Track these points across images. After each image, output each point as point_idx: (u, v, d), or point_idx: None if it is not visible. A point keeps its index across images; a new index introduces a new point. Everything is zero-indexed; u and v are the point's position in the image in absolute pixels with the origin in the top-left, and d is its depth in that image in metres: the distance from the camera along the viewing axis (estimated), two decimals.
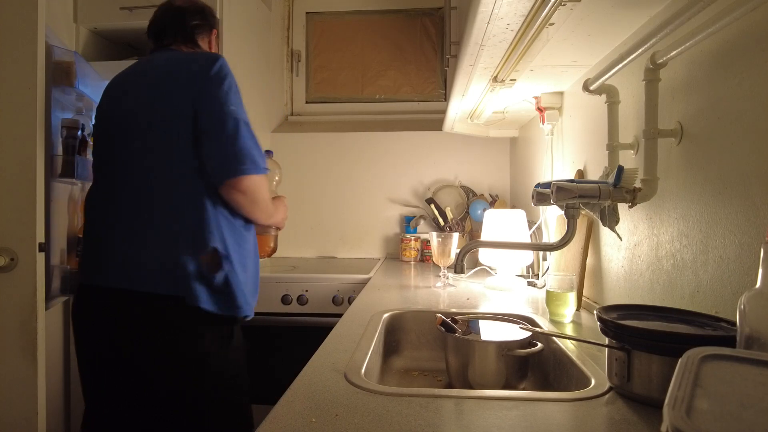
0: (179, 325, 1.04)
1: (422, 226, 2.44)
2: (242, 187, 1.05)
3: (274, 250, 1.43)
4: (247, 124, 1.08)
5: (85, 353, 1.12)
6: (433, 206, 2.37)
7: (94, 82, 1.52)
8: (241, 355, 1.15)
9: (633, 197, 0.91)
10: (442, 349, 1.02)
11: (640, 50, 0.87)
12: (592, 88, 1.07)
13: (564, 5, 0.88)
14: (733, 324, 0.59)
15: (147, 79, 1.15)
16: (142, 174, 1.08)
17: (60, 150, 1.43)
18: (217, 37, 1.34)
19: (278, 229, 1.36)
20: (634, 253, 1.06)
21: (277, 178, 1.48)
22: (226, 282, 1.06)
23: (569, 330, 1.11)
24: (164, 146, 1.07)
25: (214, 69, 1.09)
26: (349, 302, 1.82)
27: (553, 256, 1.58)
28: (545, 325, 1.11)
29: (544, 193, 1.04)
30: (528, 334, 0.93)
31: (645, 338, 0.66)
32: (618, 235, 1.06)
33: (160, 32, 1.25)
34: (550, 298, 1.17)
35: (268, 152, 1.33)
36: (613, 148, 1.06)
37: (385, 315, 1.19)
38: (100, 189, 1.16)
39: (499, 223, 1.73)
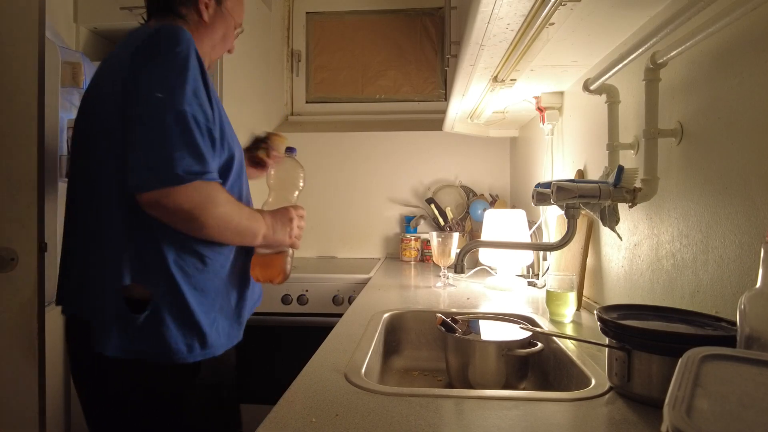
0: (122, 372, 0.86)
1: (422, 226, 2.44)
2: (161, 203, 0.79)
3: (283, 274, 1.03)
4: (180, 115, 0.80)
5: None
6: (433, 206, 2.37)
7: None
8: (210, 396, 0.93)
9: (633, 197, 0.91)
10: (443, 349, 1.02)
11: (640, 50, 0.87)
12: (592, 88, 1.07)
13: (564, 5, 0.88)
14: (734, 324, 0.59)
15: (100, 70, 0.95)
16: (73, 186, 0.94)
17: (66, 150, 1.44)
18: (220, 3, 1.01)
19: (287, 248, 1.02)
20: (634, 253, 1.06)
21: (301, 183, 1.13)
22: (151, 322, 0.83)
23: (569, 330, 1.11)
24: (93, 153, 0.88)
25: (147, 42, 0.84)
26: (350, 302, 1.82)
27: (553, 256, 1.58)
28: (545, 325, 1.11)
29: (545, 193, 1.04)
30: (528, 334, 0.93)
31: (645, 338, 0.66)
32: (618, 235, 1.06)
33: (146, 4, 1.00)
34: (551, 298, 1.17)
35: (291, 149, 1.13)
36: (613, 147, 1.06)
37: (386, 315, 1.19)
38: (68, 204, 0.99)
39: (500, 223, 1.73)
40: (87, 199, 0.90)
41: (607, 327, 0.71)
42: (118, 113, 0.83)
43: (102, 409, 0.90)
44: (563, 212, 1.04)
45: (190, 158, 0.80)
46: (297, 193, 1.12)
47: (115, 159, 0.84)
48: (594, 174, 1.29)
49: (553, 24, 0.98)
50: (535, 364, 1.04)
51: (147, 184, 0.79)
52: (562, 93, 1.54)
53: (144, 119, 0.81)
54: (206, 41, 1.00)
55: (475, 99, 1.67)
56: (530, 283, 1.64)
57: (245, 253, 0.98)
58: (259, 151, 1.16)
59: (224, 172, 0.92)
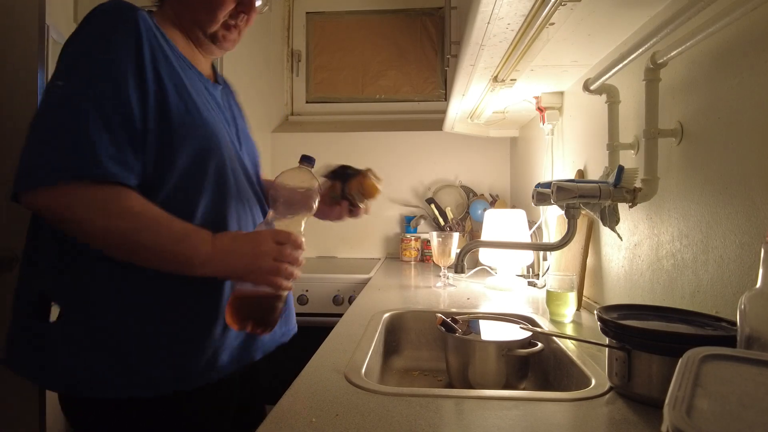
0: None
1: (422, 226, 2.44)
2: (33, 206, 0.69)
3: (264, 323, 0.78)
4: (68, 99, 0.68)
5: None
6: (433, 206, 2.37)
7: None
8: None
9: (633, 197, 0.91)
10: (443, 349, 1.02)
11: (640, 50, 0.87)
12: (592, 88, 1.07)
13: (564, 5, 0.88)
14: (734, 324, 0.59)
15: None
16: None
17: None
18: None
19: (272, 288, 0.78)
20: (634, 253, 1.06)
21: (314, 206, 0.84)
22: (56, 339, 0.71)
23: (569, 330, 1.11)
24: None
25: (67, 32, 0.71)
26: (350, 302, 1.82)
27: (553, 256, 1.58)
28: (545, 325, 1.11)
29: (545, 193, 1.04)
30: (528, 334, 0.93)
31: (645, 338, 0.66)
32: (618, 235, 1.06)
33: None
34: (551, 298, 1.17)
35: (309, 159, 0.85)
36: (613, 147, 1.06)
37: (386, 315, 1.19)
38: None
39: (500, 223, 1.73)
40: None
41: (608, 327, 0.71)
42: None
43: None
44: (563, 212, 1.04)
45: (67, 155, 0.66)
46: (305, 219, 0.84)
47: None
48: (594, 174, 1.29)
49: (553, 24, 0.98)
50: (535, 364, 1.04)
51: (19, 183, 0.67)
52: (562, 93, 1.54)
53: (37, 113, 0.69)
54: (185, 13, 0.85)
55: (475, 99, 1.67)
56: (530, 283, 1.64)
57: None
58: (351, 188, 0.96)
59: (159, 177, 0.73)
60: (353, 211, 1.04)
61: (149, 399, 0.73)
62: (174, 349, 0.74)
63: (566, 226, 1.03)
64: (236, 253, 0.74)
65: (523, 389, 0.94)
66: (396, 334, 1.22)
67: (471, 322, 1.02)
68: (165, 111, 0.74)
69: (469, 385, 0.92)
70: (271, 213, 0.82)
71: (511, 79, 1.38)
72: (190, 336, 0.75)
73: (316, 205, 0.84)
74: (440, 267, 1.68)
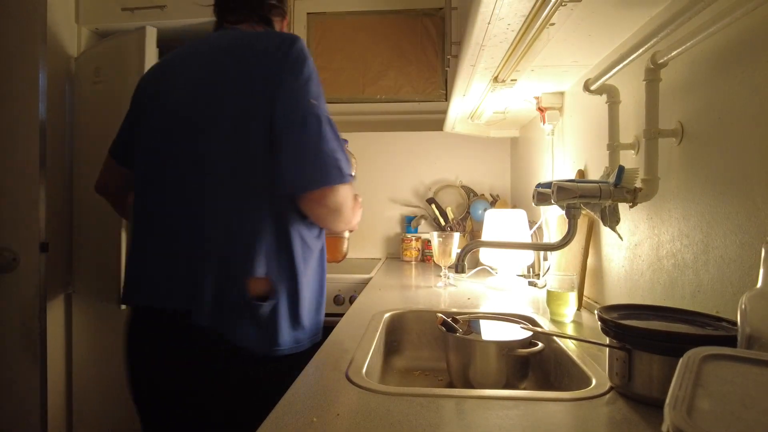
0: (226, 359, 0.90)
1: (423, 226, 2.44)
2: (325, 200, 0.89)
3: (346, 254, 1.25)
4: (330, 122, 0.91)
5: (138, 376, 0.99)
6: (434, 206, 2.37)
7: None
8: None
9: (634, 197, 0.91)
10: (443, 349, 1.02)
11: (640, 50, 0.87)
12: (592, 88, 1.07)
13: (564, 5, 0.88)
14: (734, 324, 0.59)
15: (208, 64, 0.96)
16: (198, 180, 0.92)
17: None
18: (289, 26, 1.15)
19: (351, 231, 1.16)
20: (634, 252, 1.06)
21: (354, 172, 1.13)
22: (271, 316, 0.91)
23: (570, 330, 1.11)
24: (230, 148, 0.90)
25: (293, 52, 0.90)
26: (351, 302, 1.82)
27: (553, 256, 1.58)
28: (546, 325, 1.11)
29: (545, 193, 1.04)
30: (529, 333, 0.93)
31: (646, 338, 0.66)
32: (619, 234, 1.06)
33: (229, 5, 1.05)
34: (551, 297, 1.17)
35: (344, 141, 1.06)
36: (613, 147, 1.06)
37: (387, 315, 1.20)
38: (143, 196, 0.99)
39: (500, 223, 1.73)
40: (203, 195, 0.91)
41: (608, 327, 0.71)
42: (264, 116, 0.88)
43: (207, 400, 0.91)
44: (564, 212, 1.04)
45: (346, 160, 0.91)
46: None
47: (254, 156, 0.89)
48: (595, 174, 1.29)
49: (553, 24, 0.98)
50: (535, 364, 1.04)
51: (316, 183, 0.87)
52: (562, 93, 1.54)
53: (307, 126, 0.87)
54: None
55: (475, 99, 1.67)
56: (531, 283, 1.64)
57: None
58: None
59: None
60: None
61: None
62: (320, 297, 1.06)
63: (567, 226, 1.03)
64: (356, 213, 1.06)
65: (524, 389, 0.94)
66: (397, 334, 1.22)
67: (472, 322, 1.03)
68: None
69: (470, 385, 0.92)
70: None
71: (512, 80, 1.38)
72: (321, 301, 1.07)
73: (355, 171, 1.23)
74: (441, 267, 1.68)
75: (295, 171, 0.87)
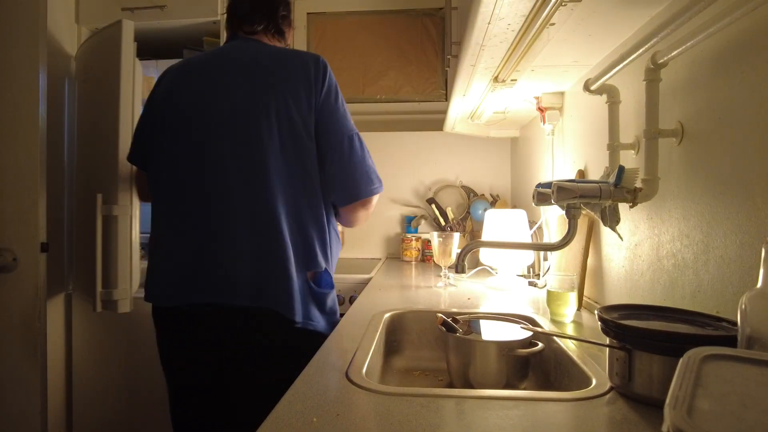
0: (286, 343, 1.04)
1: (423, 226, 2.44)
2: (369, 205, 1.12)
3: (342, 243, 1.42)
4: (359, 136, 1.09)
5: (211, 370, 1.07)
6: (434, 206, 2.37)
7: None
8: None
9: (634, 197, 0.91)
10: (443, 349, 1.02)
11: (640, 50, 0.87)
12: (592, 88, 1.07)
13: (565, 5, 0.88)
14: (735, 324, 0.59)
15: (247, 76, 1.04)
16: (265, 186, 1.02)
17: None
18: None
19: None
20: (635, 252, 1.06)
21: None
22: (330, 304, 1.12)
23: (570, 330, 1.11)
24: (290, 158, 1.02)
25: (327, 75, 1.05)
26: (351, 302, 1.82)
27: (553, 256, 1.58)
28: (546, 325, 1.11)
29: (545, 193, 1.04)
30: (529, 333, 0.93)
31: (646, 338, 0.66)
32: (619, 235, 1.06)
33: (245, 16, 1.12)
34: (551, 297, 1.17)
35: None
36: (613, 148, 1.06)
37: (387, 315, 1.20)
38: (176, 194, 1.06)
39: (500, 223, 1.73)
40: (264, 197, 1.02)
41: (608, 327, 0.71)
42: (312, 133, 1.03)
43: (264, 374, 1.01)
44: (564, 212, 1.04)
45: (375, 169, 1.14)
46: None
47: (311, 167, 1.05)
48: (595, 174, 1.29)
49: (553, 24, 0.98)
50: (535, 364, 1.04)
51: (365, 193, 1.08)
52: (562, 93, 1.54)
53: (348, 145, 1.05)
54: None
55: (475, 99, 1.67)
56: (531, 283, 1.64)
57: None
58: None
59: None
60: None
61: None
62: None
63: (567, 226, 1.03)
64: None
65: (524, 389, 0.94)
66: (397, 334, 1.22)
67: (472, 322, 1.03)
68: None
69: (470, 385, 0.92)
70: None
71: (512, 80, 1.38)
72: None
73: None
74: (441, 267, 1.68)
75: (342, 184, 1.06)
